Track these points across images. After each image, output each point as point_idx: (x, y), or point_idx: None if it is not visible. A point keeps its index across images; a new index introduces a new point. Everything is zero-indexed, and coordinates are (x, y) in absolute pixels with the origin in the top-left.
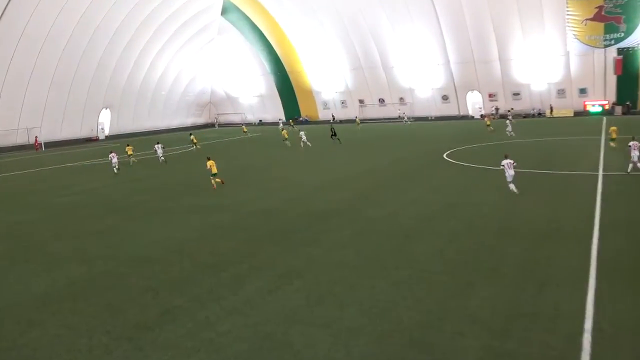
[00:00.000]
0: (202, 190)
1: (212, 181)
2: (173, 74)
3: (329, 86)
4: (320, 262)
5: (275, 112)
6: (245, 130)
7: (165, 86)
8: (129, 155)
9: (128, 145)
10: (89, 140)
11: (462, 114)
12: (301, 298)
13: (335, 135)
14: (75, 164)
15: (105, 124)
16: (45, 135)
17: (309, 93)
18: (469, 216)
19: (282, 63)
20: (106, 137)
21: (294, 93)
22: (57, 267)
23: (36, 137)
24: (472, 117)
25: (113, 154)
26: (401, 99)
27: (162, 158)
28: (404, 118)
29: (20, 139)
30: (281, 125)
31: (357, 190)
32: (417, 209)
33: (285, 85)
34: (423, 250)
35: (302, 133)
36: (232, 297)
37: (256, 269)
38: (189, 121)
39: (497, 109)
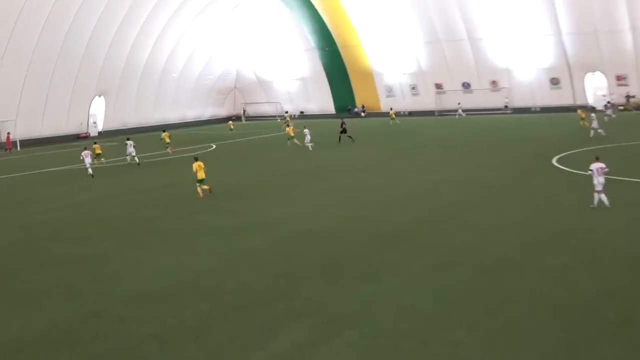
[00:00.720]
0: (225, 204)
1: (198, 189)
2: (186, 51)
3: (394, 66)
4: (382, 305)
5: (321, 100)
6: (232, 127)
7: (176, 67)
8: (97, 155)
9: (95, 144)
10: (77, 137)
11: (578, 102)
12: (354, 356)
13: (345, 132)
14: (59, 168)
15: (99, 116)
16: (21, 131)
17: (368, 75)
18: (588, 245)
19: (331, 35)
20: (100, 133)
21: (347, 75)
22: (34, 305)
23: (8, 133)
24: (594, 109)
25: (86, 151)
26: (493, 82)
27: (135, 159)
28: (457, 111)
29: None
30: (287, 118)
31: (434, 208)
32: (518, 235)
33: (336, 65)
34: (524, 292)
35: (306, 131)
36: (260, 351)
37: (295, 313)
38: (207, 112)
39: (629, 97)
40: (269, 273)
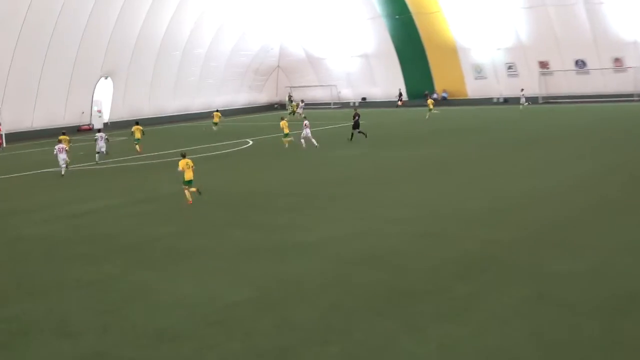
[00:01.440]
0: (261, 218)
1: (186, 192)
2: (214, 21)
3: (485, 40)
4: (462, 350)
5: (389, 83)
6: (217, 120)
7: (200, 42)
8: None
9: (63, 134)
10: (78, 130)
11: None
12: None
13: (357, 126)
14: (54, 169)
15: (104, 103)
16: (7, 123)
17: (451, 51)
18: None
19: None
20: (105, 124)
21: (423, 51)
22: (22, 343)
23: None
24: None
25: (61, 145)
26: (617, 60)
27: (104, 151)
28: (520, 99)
29: None
30: (296, 104)
31: (532, 224)
32: None
33: (409, 38)
34: None
35: (306, 122)
36: None
37: (352, 358)
38: (241, 99)
39: None
40: (318, 305)
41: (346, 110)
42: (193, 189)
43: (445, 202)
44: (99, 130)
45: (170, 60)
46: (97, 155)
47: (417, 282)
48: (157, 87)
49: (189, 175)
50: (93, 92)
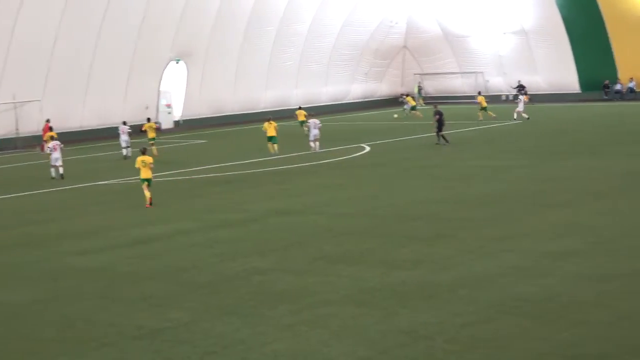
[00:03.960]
0: (380, 249)
1: (145, 192)
2: None
3: None
4: None
5: (555, 69)
6: (303, 119)
7: (301, 14)
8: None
9: (49, 128)
10: (141, 129)
11: None
12: None
13: (440, 128)
14: (112, 182)
15: (175, 95)
16: (51, 119)
17: None
18: None
19: None
20: (177, 122)
21: (603, 29)
22: None
23: (48, 122)
24: None
25: (55, 143)
26: None
27: (126, 151)
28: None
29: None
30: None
31: None
32: None
33: (584, 12)
34: None
35: (312, 122)
36: None
37: None
38: (354, 91)
39: None
40: None
41: (497, 106)
42: (147, 194)
43: (624, 229)
44: (124, 123)
45: (261, 40)
46: (123, 150)
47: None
48: (244, 74)
49: (145, 174)
50: (160, 81)
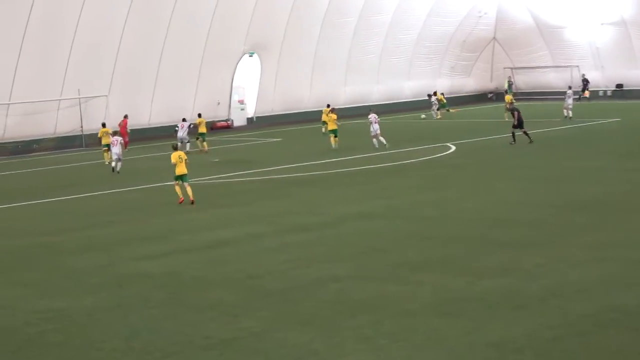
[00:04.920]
0: (468, 256)
1: (177, 189)
2: None
3: None
4: None
5: None
6: (327, 119)
7: (383, 5)
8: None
9: (104, 126)
10: (212, 127)
11: None
12: None
13: (520, 126)
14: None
15: (248, 91)
16: (117, 115)
17: None
18: None
19: None
20: (250, 119)
21: None
22: None
23: (126, 117)
24: None
25: (115, 137)
26: None
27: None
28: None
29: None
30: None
31: None
32: None
33: None
34: None
35: (372, 117)
36: None
37: None
38: (440, 86)
39: None
40: None
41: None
42: (187, 188)
43: None
44: (183, 119)
45: (340, 31)
46: (112, 162)
47: None
48: (322, 68)
49: (181, 169)
50: (233, 76)
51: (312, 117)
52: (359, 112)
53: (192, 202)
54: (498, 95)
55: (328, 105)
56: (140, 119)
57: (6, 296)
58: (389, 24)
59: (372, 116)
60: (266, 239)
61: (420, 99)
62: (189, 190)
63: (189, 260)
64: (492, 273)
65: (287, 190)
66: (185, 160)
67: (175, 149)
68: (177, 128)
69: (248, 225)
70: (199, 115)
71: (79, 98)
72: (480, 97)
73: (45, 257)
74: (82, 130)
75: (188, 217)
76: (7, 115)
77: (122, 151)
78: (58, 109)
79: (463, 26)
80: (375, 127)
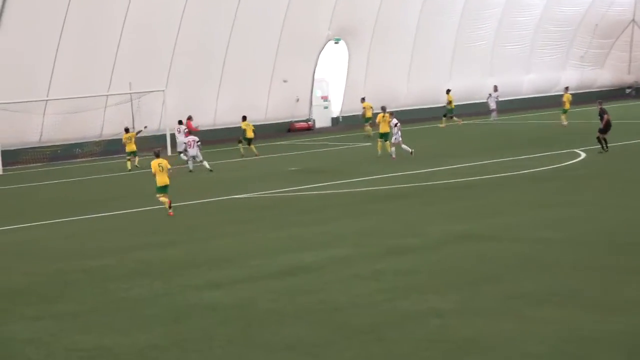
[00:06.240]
0: (593, 286)
1: (162, 200)
2: None
3: None
4: None
5: None
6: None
7: None
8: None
9: (127, 131)
10: (289, 129)
11: None
12: None
13: (607, 129)
14: (251, 195)
15: (333, 85)
16: (178, 111)
17: None
18: None
19: None
20: (336, 119)
21: None
22: None
23: (189, 119)
24: None
25: (191, 138)
26: None
27: (201, 160)
28: None
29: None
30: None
31: None
32: None
33: None
34: None
35: (394, 122)
36: None
37: None
38: (565, 79)
39: None
40: None
41: None
42: (165, 199)
43: None
44: (180, 122)
45: (444, 14)
46: (188, 162)
47: None
48: (422, 58)
49: (162, 179)
50: (315, 67)
51: (411, 116)
52: (467, 111)
53: (169, 210)
54: (638, 91)
55: (383, 109)
56: (204, 119)
57: (42, 330)
58: (503, 5)
59: (394, 121)
60: (353, 264)
61: (543, 94)
62: (166, 199)
63: (262, 290)
64: (628, 308)
65: (378, 205)
66: (168, 168)
67: (157, 155)
68: (177, 132)
69: (332, 247)
70: (244, 119)
71: (131, 93)
72: (615, 93)
73: (89, 284)
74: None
75: (260, 237)
76: (44, 114)
77: (200, 153)
78: (105, 107)
79: (595, 7)
80: (398, 135)
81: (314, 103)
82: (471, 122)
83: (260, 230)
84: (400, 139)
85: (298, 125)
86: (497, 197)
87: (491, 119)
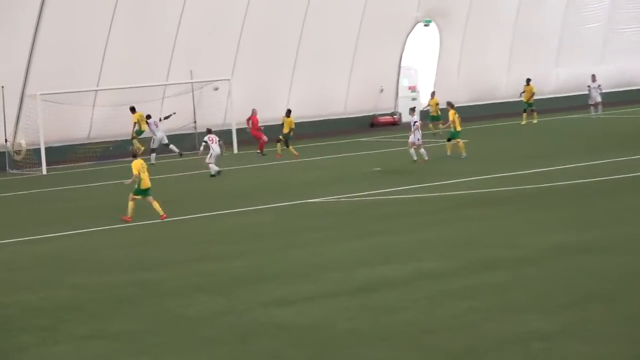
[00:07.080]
0: None
1: (131, 205)
2: None
3: None
4: None
5: None
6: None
7: None
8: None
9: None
10: (372, 124)
11: None
12: None
13: None
14: (329, 198)
15: (422, 74)
16: (243, 105)
17: None
18: None
19: None
20: (425, 112)
21: None
22: None
23: (254, 114)
24: None
25: (211, 136)
26: None
27: (215, 168)
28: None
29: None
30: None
31: None
32: None
33: None
34: None
35: (415, 120)
36: None
37: None
38: None
39: None
40: None
41: None
42: (154, 202)
43: None
44: (209, 131)
45: None
46: (211, 165)
47: None
48: (525, 43)
49: (146, 181)
50: (401, 53)
51: (511, 109)
52: (574, 104)
53: (163, 217)
54: None
55: (449, 104)
56: (274, 112)
57: (91, 352)
58: None
59: (414, 119)
60: (444, 280)
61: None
62: (156, 205)
63: (339, 307)
64: None
65: (471, 211)
66: (148, 169)
67: (135, 156)
68: (204, 141)
69: (419, 259)
70: (288, 114)
71: (192, 83)
72: None
73: (144, 300)
74: (195, 127)
75: (337, 248)
76: (93, 105)
77: (222, 152)
78: (163, 98)
79: None
80: (416, 134)
81: (400, 94)
82: (577, 116)
83: (336, 239)
84: (420, 141)
85: (382, 119)
86: (604, 205)
87: (596, 112)
